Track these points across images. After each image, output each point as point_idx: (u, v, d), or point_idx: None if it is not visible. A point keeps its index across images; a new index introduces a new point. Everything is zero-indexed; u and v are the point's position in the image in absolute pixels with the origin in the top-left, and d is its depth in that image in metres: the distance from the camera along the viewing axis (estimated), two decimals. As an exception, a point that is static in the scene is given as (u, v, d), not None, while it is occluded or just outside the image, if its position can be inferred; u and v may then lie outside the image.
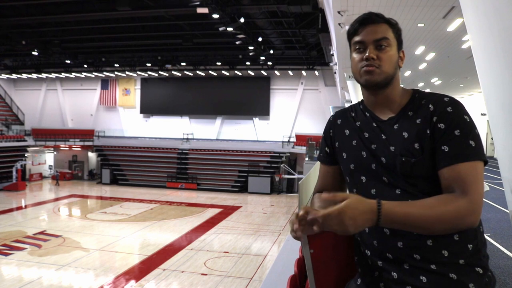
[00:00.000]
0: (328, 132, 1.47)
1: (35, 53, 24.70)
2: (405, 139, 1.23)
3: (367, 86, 1.30)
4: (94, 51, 27.43)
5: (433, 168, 1.19)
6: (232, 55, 26.34)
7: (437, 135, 1.18)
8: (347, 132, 1.40)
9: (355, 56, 1.30)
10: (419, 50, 11.24)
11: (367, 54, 1.26)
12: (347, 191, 1.46)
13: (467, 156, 1.14)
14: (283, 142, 29.21)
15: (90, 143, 32.66)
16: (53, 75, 32.84)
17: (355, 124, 1.38)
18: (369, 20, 1.28)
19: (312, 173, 7.79)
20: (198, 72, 30.07)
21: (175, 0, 16.51)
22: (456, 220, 1.11)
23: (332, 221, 1.06)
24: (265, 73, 30.56)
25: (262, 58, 25.70)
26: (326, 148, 1.48)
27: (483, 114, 21.22)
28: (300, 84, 31.02)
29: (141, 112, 33.97)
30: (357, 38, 1.29)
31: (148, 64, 28.74)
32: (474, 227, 1.14)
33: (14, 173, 27.57)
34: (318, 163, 1.57)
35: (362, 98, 1.42)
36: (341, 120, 1.45)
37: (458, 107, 1.21)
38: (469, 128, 1.17)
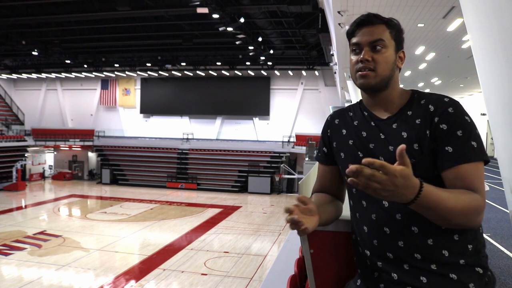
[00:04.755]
0: (326, 132, 1.48)
1: (35, 53, 24.69)
2: (404, 139, 1.23)
3: (363, 89, 1.32)
4: (94, 51, 27.42)
5: (432, 169, 1.19)
6: (232, 55, 26.33)
7: (439, 136, 1.19)
8: (344, 131, 1.40)
9: (352, 57, 1.31)
10: (419, 50, 11.25)
11: (361, 56, 1.26)
12: (346, 191, 1.47)
13: (470, 157, 1.15)
14: (283, 142, 29.19)
15: (90, 143, 32.65)
16: (53, 75, 32.85)
17: (352, 123, 1.38)
18: (366, 21, 1.28)
19: (312, 173, 7.78)
20: (198, 72, 30.07)
21: (175, 0, 16.51)
22: (473, 215, 1.12)
23: (377, 178, 0.97)
24: (265, 73, 30.56)
25: (262, 58, 25.70)
26: (324, 148, 1.48)
27: (483, 114, 21.21)
28: (300, 84, 31.02)
29: (141, 112, 33.97)
30: (353, 40, 1.30)
31: (148, 64, 28.74)
32: (477, 227, 1.17)
33: (14, 173, 27.57)
34: (317, 163, 1.57)
35: (362, 98, 1.42)
36: (339, 120, 1.45)
37: (458, 107, 1.21)
38: (470, 128, 1.18)
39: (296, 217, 1.09)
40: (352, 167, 0.97)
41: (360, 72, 1.27)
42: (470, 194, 1.13)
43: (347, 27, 1.35)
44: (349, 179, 0.99)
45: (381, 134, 1.28)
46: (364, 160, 0.98)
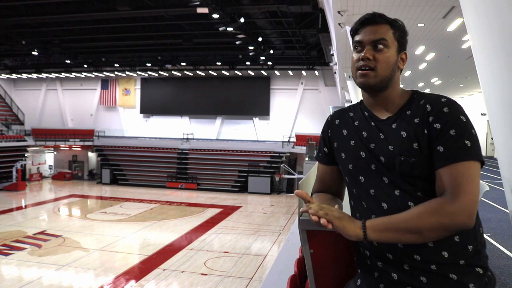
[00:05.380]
0: (326, 132, 1.48)
1: (35, 53, 24.70)
2: (403, 139, 1.23)
3: (362, 88, 1.32)
4: (94, 51, 27.42)
5: (432, 168, 1.19)
6: (232, 55, 26.34)
7: (433, 135, 1.18)
8: (345, 132, 1.40)
9: (354, 55, 1.31)
10: (419, 50, 11.25)
11: (362, 54, 1.27)
12: (346, 190, 1.47)
13: (462, 156, 1.14)
14: (283, 142, 29.19)
15: (90, 143, 32.65)
16: (53, 75, 32.83)
17: (353, 123, 1.38)
18: (369, 20, 1.28)
19: (312, 173, 7.77)
20: (198, 72, 30.06)
21: (175, 0, 16.51)
22: (442, 223, 1.11)
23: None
24: (265, 73, 30.56)
25: (262, 58, 25.70)
26: (324, 148, 1.48)
27: (483, 114, 21.22)
28: (300, 84, 31.02)
29: (141, 112, 33.96)
30: (356, 38, 1.30)
31: (148, 64, 28.74)
32: (468, 227, 1.13)
33: (14, 173, 27.57)
34: (317, 163, 1.57)
35: (362, 98, 1.43)
36: (339, 120, 1.45)
37: (454, 107, 1.20)
38: (465, 128, 1.17)
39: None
40: (303, 210, 1.23)
41: (360, 71, 1.27)
42: (429, 201, 1.14)
43: (347, 27, 1.36)
44: (321, 221, 1.17)
45: (381, 134, 1.29)
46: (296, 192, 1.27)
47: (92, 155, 33.65)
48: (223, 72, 29.79)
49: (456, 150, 1.15)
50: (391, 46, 1.27)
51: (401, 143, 1.23)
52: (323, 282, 1.48)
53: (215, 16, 15.89)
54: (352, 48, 1.35)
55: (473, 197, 1.12)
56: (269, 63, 27.96)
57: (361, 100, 1.43)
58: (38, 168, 32.80)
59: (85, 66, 29.84)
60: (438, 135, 1.17)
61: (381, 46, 1.26)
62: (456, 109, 1.20)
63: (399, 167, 1.21)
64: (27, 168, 31.23)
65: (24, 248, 14.38)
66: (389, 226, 1.15)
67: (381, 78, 1.26)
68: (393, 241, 1.18)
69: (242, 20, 16.63)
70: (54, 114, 35.29)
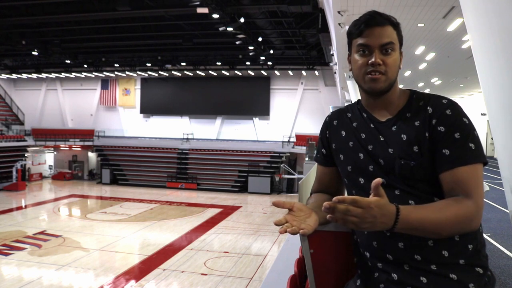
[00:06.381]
0: (325, 133, 1.47)
1: (35, 53, 24.68)
2: (403, 142, 1.22)
3: (372, 93, 1.28)
4: (94, 51, 27.42)
5: (432, 171, 1.19)
6: (232, 55, 26.34)
7: (437, 138, 1.18)
8: (343, 133, 1.39)
9: (358, 58, 1.26)
10: (419, 50, 11.24)
11: (373, 60, 1.22)
12: (345, 192, 1.46)
13: (468, 159, 1.14)
14: (283, 142, 29.19)
15: (90, 143, 32.65)
16: (53, 75, 32.84)
17: (351, 125, 1.37)
18: (374, 21, 1.23)
19: (312, 173, 7.78)
20: (198, 72, 30.06)
21: (175, 0, 16.52)
22: (465, 223, 1.12)
23: (352, 212, 1.02)
24: (265, 73, 30.56)
25: (262, 58, 25.71)
26: (323, 150, 1.48)
27: (483, 114, 21.21)
28: (300, 84, 31.03)
29: (141, 112, 33.96)
30: (361, 41, 1.24)
31: (148, 64, 28.73)
32: (475, 229, 1.16)
33: (14, 173, 27.56)
34: (316, 164, 1.57)
35: (359, 98, 1.41)
36: (337, 121, 1.43)
37: (457, 109, 1.20)
38: (469, 130, 1.17)
39: (288, 229, 1.12)
40: (325, 204, 1.01)
41: (370, 76, 1.24)
42: (457, 203, 1.12)
43: (347, 27, 1.33)
44: (327, 216, 1.03)
45: (380, 137, 1.28)
46: (335, 198, 1.01)
47: (92, 155, 33.64)
48: (223, 72, 29.79)
49: (462, 153, 1.15)
50: (397, 48, 1.25)
51: (401, 146, 1.22)
52: (323, 282, 1.48)
53: (215, 16, 15.89)
54: (352, 49, 1.30)
55: (482, 199, 1.14)
56: (269, 63, 27.96)
57: (358, 100, 1.41)
58: (29, 169, 31.99)
59: (85, 66, 29.84)
60: (442, 138, 1.17)
61: (390, 50, 1.23)
62: (458, 111, 1.20)
63: (398, 170, 1.21)
64: (27, 168, 31.20)
65: (24, 248, 14.38)
66: (418, 227, 1.09)
67: (390, 81, 1.25)
68: (411, 233, 1.13)
69: (242, 20, 16.63)
70: (54, 114, 35.29)
